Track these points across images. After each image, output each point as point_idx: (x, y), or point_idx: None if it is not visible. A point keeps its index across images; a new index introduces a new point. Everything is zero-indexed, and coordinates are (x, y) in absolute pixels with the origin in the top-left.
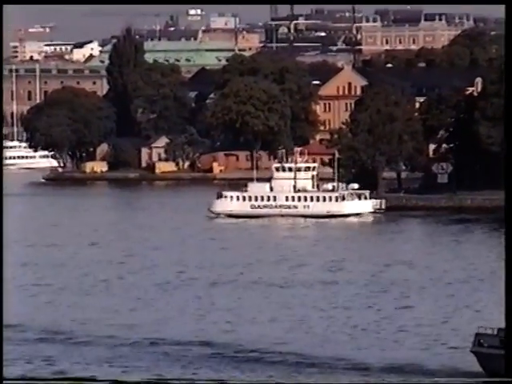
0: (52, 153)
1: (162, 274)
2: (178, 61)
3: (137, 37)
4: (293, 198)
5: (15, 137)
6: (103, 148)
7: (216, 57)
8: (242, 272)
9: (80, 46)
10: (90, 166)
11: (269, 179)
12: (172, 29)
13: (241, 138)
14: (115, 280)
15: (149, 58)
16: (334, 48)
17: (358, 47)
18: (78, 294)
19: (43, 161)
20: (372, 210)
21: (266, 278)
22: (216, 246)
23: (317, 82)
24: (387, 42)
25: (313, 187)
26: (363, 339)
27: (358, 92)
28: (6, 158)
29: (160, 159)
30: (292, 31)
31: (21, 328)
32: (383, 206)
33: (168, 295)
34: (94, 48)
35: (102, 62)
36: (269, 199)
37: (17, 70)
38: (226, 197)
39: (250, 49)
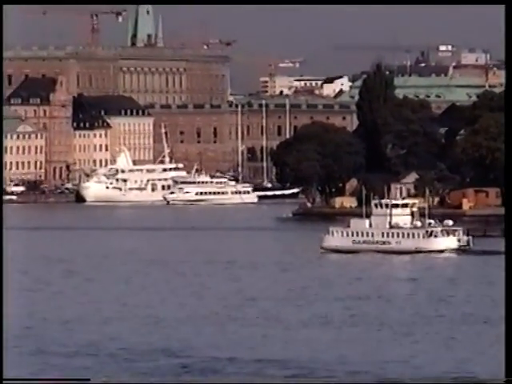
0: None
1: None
2: (428, 96)
3: (387, 72)
4: (387, 234)
5: (264, 172)
6: (352, 183)
7: (466, 93)
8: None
9: (330, 81)
10: (339, 202)
11: (369, 215)
12: (423, 65)
13: (490, 175)
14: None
15: (399, 93)
16: None
17: None
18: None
19: (235, 197)
20: (456, 247)
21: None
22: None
23: None
24: None
25: (412, 224)
26: None
27: None
28: (197, 194)
29: (409, 195)
30: None
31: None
32: (471, 244)
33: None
34: (344, 83)
35: (352, 97)
36: (368, 235)
37: (267, 105)
38: (332, 233)
39: (500, 85)
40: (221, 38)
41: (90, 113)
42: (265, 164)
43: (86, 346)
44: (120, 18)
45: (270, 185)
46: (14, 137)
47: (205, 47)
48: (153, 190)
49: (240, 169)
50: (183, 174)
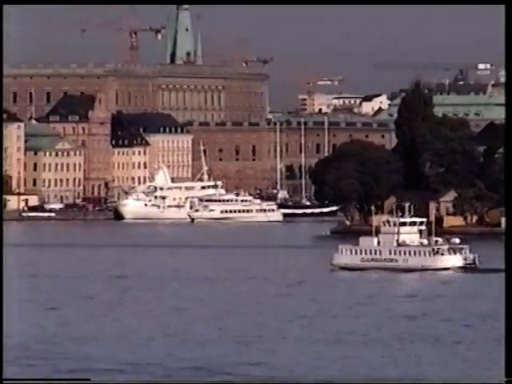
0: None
1: None
2: (466, 115)
3: (426, 90)
4: (395, 251)
5: (303, 190)
6: (391, 201)
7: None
8: None
9: (369, 99)
10: (377, 220)
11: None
12: (461, 83)
13: None
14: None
15: (438, 111)
16: None
17: None
18: None
19: (260, 215)
20: (462, 265)
21: None
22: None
23: None
24: None
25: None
26: None
27: None
28: (222, 212)
29: (448, 213)
30: None
31: None
32: (477, 262)
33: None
34: (382, 101)
35: (391, 115)
36: (376, 253)
37: (305, 123)
38: (341, 250)
39: None
40: (259, 55)
41: (128, 130)
42: (303, 182)
43: (129, 364)
44: (159, 36)
45: (308, 203)
46: (53, 154)
47: (243, 65)
48: (191, 207)
49: (279, 187)
50: (222, 191)
